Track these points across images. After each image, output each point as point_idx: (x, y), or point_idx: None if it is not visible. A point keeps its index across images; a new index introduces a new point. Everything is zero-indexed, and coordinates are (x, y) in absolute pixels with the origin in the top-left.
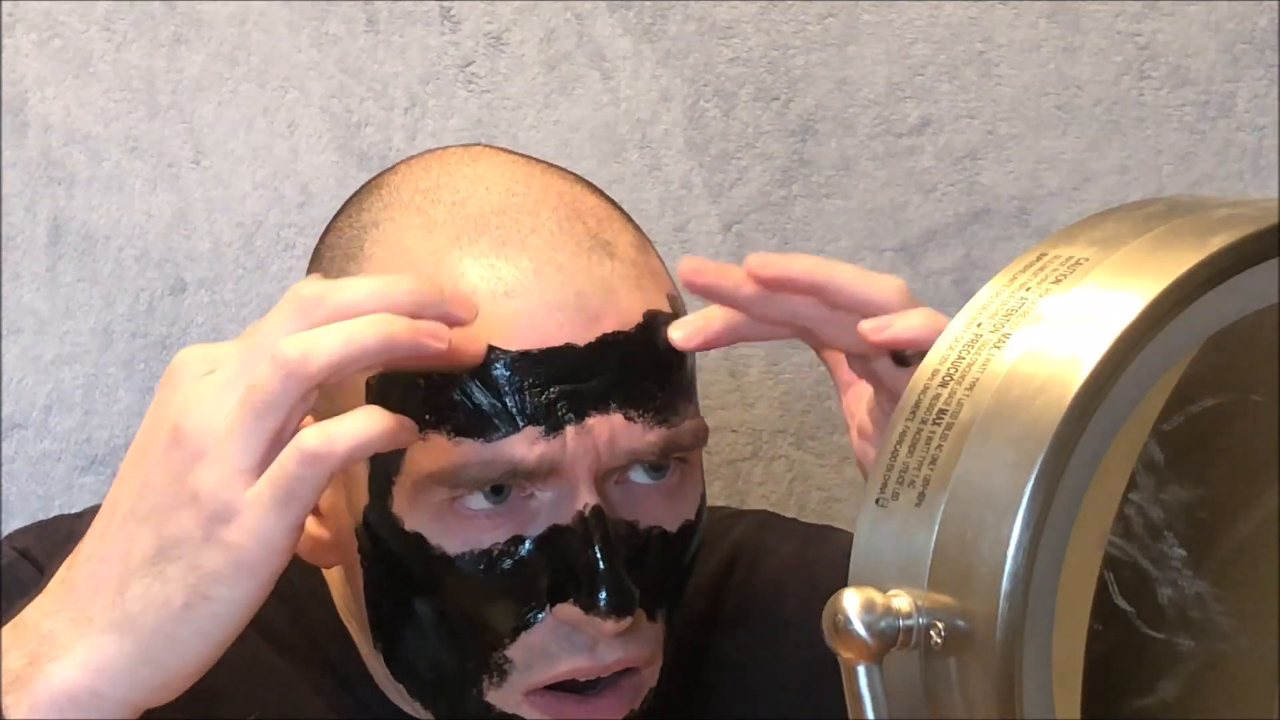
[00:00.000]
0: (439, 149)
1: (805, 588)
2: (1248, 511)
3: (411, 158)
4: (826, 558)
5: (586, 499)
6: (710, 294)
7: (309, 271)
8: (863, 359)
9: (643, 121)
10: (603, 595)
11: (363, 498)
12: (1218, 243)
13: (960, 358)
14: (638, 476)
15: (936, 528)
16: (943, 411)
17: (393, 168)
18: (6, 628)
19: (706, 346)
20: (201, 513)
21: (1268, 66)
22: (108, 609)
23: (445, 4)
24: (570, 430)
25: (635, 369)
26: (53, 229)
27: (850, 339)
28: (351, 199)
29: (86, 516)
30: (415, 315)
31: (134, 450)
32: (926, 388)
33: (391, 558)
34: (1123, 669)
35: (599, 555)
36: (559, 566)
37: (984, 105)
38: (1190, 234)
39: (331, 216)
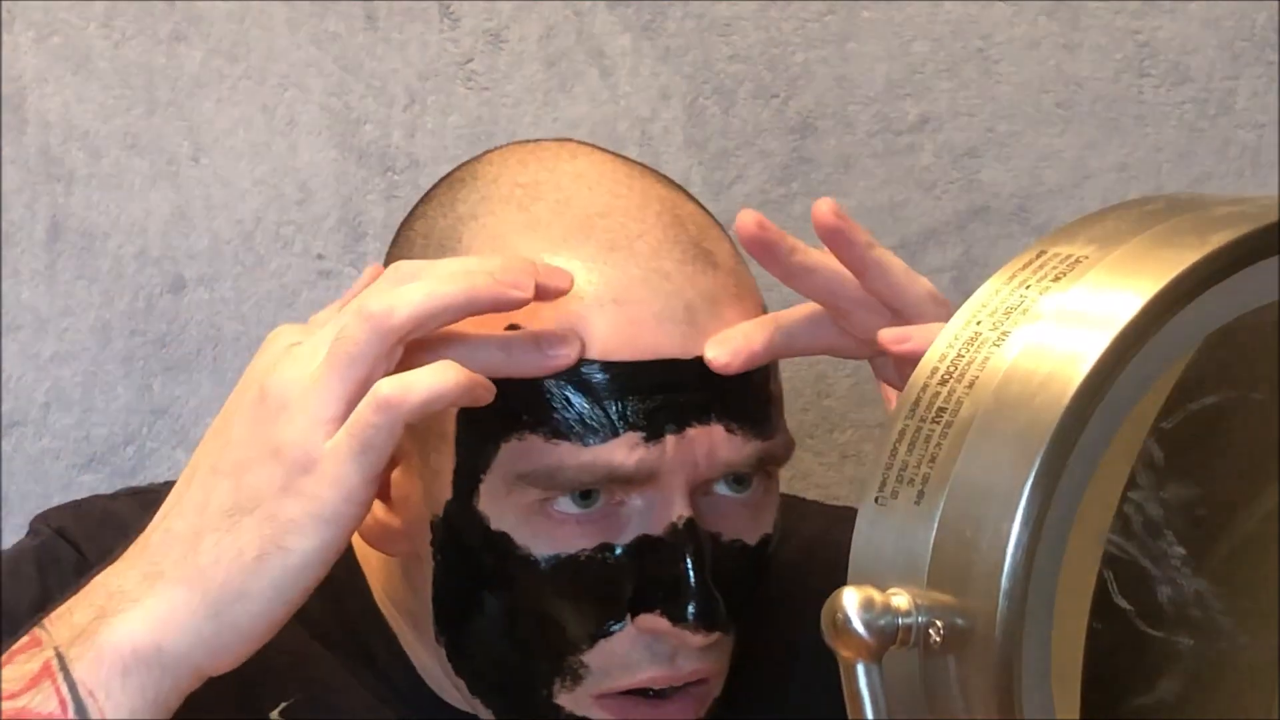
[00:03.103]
0: (528, 142)
1: (829, 563)
2: (1247, 510)
3: (502, 150)
4: (849, 535)
5: (681, 510)
6: (763, 251)
7: (389, 257)
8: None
9: (642, 119)
10: (692, 608)
11: (445, 491)
12: (1217, 241)
13: (960, 356)
14: (723, 490)
15: (936, 526)
16: (942, 409)
17: (483, 158)
18: (81, 591)
19: (747, 366)
20: (282, 464)
21: (1267, 64)
22: (180, 562)
23: (444, 1)
24: (670, 439)
25: (736, 383)
26: (51, 226)
27: (875, 329)
28: (440, 189)
29: (120, 498)
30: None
31: (220, 415)
32: (926, 386)
33: (470, 554)
34: (1122, 667)
35: (690, 568)
36: (645, 576)
37: (983, 103)
38: (1190, 232)
39: (418, 202)
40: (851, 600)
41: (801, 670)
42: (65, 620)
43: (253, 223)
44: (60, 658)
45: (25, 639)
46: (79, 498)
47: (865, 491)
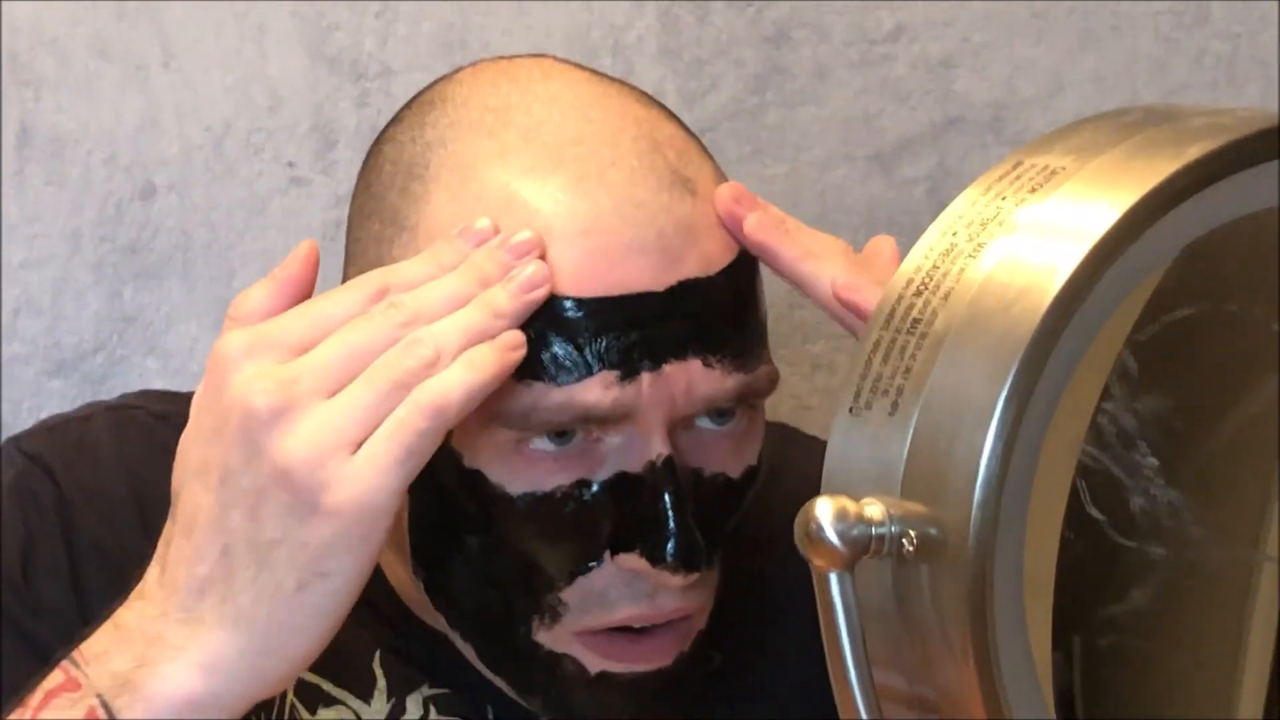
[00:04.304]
0: (501, 59)
1: None
2: (1220, 421)
3: (475, 67)
4: None
5: (659, 449)
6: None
7: (360, 179)
8: None
9: (616, 27)
10: (670, 548)
11: None
12: (1195, 152)
13: (935, 267)
14: (704, 423)
15: (910, 436)
16: (917, 321)
17: (454, 77)
18: (102, 630)
19: (730, 226)
20: (294, 489)
21: None
22: (219, 607)
23: None
24: (646, 377)
25: (715, 314)
26: (20, 132)
27: None
28: (410, 109)
29: (96, 418)
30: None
31: (194, 449)
32: (901, 297)
33: (444, 491)
34: (1094, 577)
35: (670, 508)
36: (624, 514)
37: (958, 13)
38: (1167, 143)
39: (388, 123)
40: (825, 510)
41: (797, 605)
42: (102, 665)
43: (223, 129)
44: (106, 706)
45: (60, 678)
46: (51, 416)
47: (839, 402)
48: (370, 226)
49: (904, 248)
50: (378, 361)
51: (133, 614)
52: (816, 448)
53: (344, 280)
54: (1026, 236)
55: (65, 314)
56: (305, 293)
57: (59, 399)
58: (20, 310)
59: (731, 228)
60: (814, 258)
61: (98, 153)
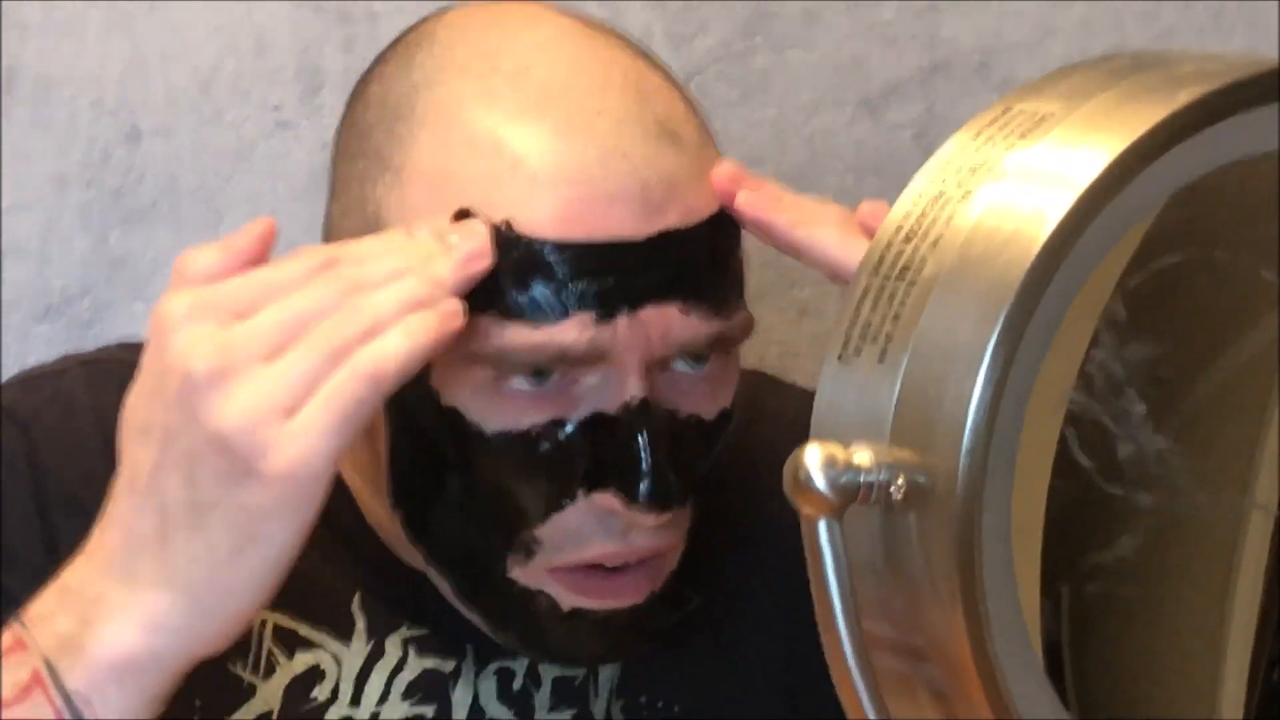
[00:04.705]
0: (491, 3)
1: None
2: (1208, 369)
3: (463, 10)
4: None
5: (635, 390)
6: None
7: (345, 116)
8: None
9: None
10: (644, 487)
11: None
12: (1184, 98)
13: (924, 213)
14: (680, 366)
15: (899, 384)
16: (906, 268)
17: (442, 18)
18: (49, 590)
19: (726, 205)
20: (230, 454)
21: None
22: (156, 567)
23: None
24: (623, 319)
25: (694, 263)
26: (7, 75)
27: None
28: (397, 49)
29: (70, 373)
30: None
31: (137, 413)
32: (890, 243)
33: (423, 429)
34: (1082, 524)
35: (644, 447)
36: (599, 453)
37: None
38: (1157, 89)
39: (374, 61)
40: (814, 457)
41: (770, 549)
42: (47, 626)
43: (209, 73)
44: (50, 667)
45: (9, 639)
46: (26, 369)
47: (829, 349)
48: (355, 164)
49: (892, 193)
50: (317, 329)
51: (76, 574)
52: (794, 393)
53: (327, 214)
54: (1015, 182)
55: (52, 258)
56: (254, 265)
57: (45, 344)
58: (7, 254)
59: (727, 206)
60: (807, 224)
61: (84, 96)
